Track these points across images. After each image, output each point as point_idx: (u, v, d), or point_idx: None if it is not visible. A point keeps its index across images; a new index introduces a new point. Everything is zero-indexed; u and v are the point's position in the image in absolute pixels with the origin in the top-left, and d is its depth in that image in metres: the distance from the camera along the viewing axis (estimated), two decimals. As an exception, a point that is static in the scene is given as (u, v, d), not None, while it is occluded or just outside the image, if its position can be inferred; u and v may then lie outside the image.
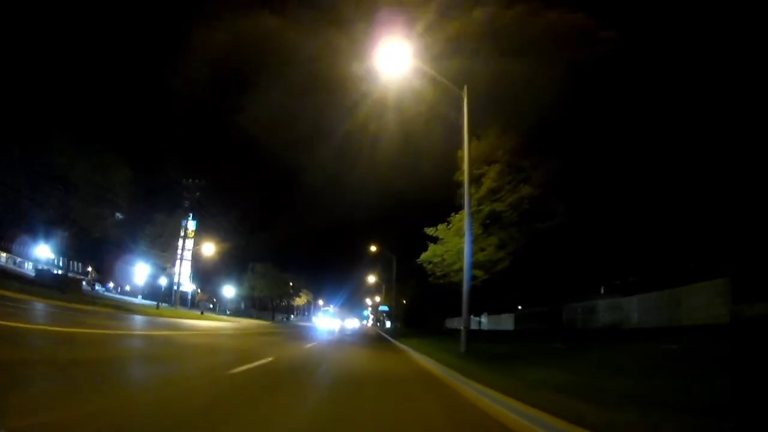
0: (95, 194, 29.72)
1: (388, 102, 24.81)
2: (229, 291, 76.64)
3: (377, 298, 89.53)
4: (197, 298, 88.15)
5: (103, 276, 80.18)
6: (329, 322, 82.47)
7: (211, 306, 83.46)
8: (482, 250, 19.63)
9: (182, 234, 54.45)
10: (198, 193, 49.38)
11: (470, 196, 17.92)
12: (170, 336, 15.45)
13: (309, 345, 18.10)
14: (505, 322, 38.63)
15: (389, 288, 73.51)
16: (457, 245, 19.91)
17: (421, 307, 64.52)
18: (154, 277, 57.26)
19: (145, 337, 14.12)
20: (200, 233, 58.22)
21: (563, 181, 21.09)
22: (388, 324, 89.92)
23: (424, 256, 22.38)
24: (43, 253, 69.31)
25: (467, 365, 11.85)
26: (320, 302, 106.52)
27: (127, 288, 72.88)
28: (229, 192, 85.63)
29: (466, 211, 17.72)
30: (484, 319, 44.77)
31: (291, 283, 75.99)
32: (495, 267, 19.46)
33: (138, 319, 22.91)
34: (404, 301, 72.30)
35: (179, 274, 53.54)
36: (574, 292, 26.74)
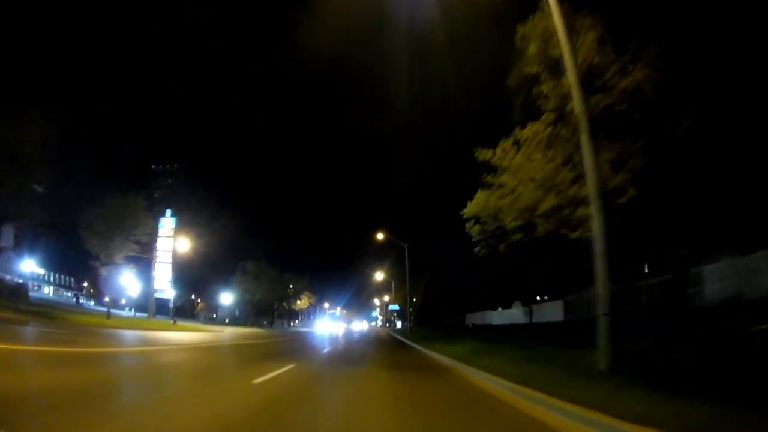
0: (4, 157, 20.45)
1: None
2: (226, 298, 67.64)
3: (386, 298, 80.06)
4: (198, 308, 79.19)
5: (97, 291, 73.04)
6: (332, 326, 72.84)
7: (214, 316, 74.78)
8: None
9: (158, 232, 45.60)
10: (170, 180, 40.07)
11: (573, 53, 8.86)
12: None
13: (274, 374, 8.63)
14: (550, 312, 29.08)
15: (399, 285, 64.45)
16: (541, 170, 10.66)
17: (434, 305, 55.81)
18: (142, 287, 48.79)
19: None
20: (182, 231, 49.01)
21: (692, 65, 11.79)
22: (399, 324, 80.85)
23: (471, 207, 13.24)
24: (29, 268, 63.20)
25: None
26: (326, 305, 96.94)
27: (123, 302, 65.55)
28: (216, 182, 76.81)
29: (572, 83, 8.64)
30: (515, 310, 35.29)
31: (291, 285, 66.33)
32: (616, 199, 10.13)
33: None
34: (414, 299, 64.09)
35: (154, 279, 44.54)
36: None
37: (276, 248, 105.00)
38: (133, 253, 29.82)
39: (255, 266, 53.17)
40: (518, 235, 11.31)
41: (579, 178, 10.58)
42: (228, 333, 31.08)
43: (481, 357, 11.56)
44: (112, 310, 47.54)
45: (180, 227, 49.66)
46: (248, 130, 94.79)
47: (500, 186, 12.18)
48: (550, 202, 10.34)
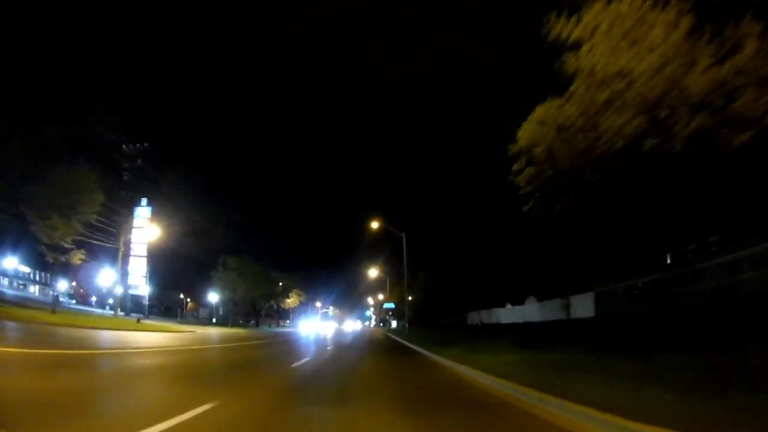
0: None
1: None
2: (213, 297, 61.83)
3: (380, 296, 74.53)
4: (187, 308, 73.25)
5: (86, 291, 67.96)
6: (319, 326, 66.77)
7: (199, 315, 68.98)
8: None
9: (130, 222, 39.96)
10: (140, 161, 34.34)
11: None
12: None
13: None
14: (578, 307, 23.78)
15: (395, 283, 59.16)
16: (666, 39, 5.33)
17: (433, 304, 50.47)
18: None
19: None
20: (160, 222, 43.40)
21: None
22: (393, 324, 75.47)
23: (527, 131, 7.97)
24: (12, 265, 58.15)
25: None
26: (317, 304, 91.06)
27: (110, 301, 61.08)
28: (200, 171, 70.74)
29: None
30: (530, 306, 30.05)
31: (281, 283, 60.50)
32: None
33: None
34: (410, 297, 59.17)
35: (123, 273, 38.94)
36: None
37: (266, 245, 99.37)
38: (80, 237, 24.03)
39: (237, 261, 47.27)
40: (649, 143, 5.96)
41: (730, 54, 5.41)
42: (198, 335, 25.57)
43: (571, 376, 6.27)
44: (90, 309, 41.86)
45: (158, 218, 44.07)
46: (238, 120, 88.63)
47: (572, 95, 7.01)
48: (701, 78, 5.11)
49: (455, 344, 15.14)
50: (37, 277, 69.46)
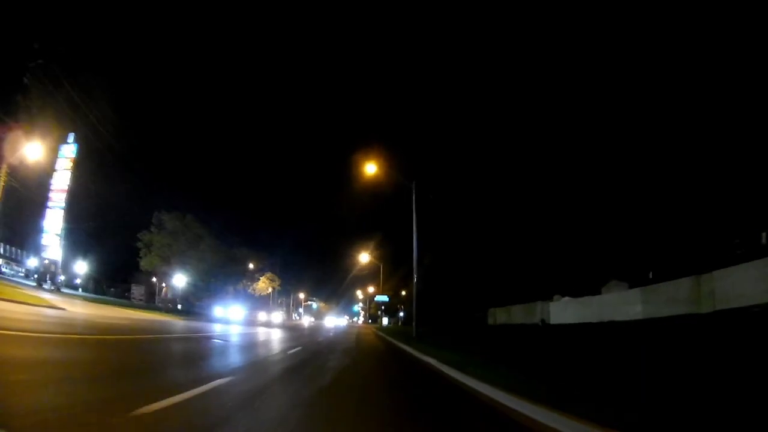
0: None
1: None
2: (181, 280, 49.61)
3: (371, 289, 62.45)
4: (163, 291, 61.38)
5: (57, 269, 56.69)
6: (275, 319, 52.62)
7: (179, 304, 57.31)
8: None
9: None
10: (42, 62, 22.83)
11: None
12: None
13: None
14: (739, 286, 11.87)
15: (389, 271, 47.22)
16: None
17: (440, 298, 37.33)
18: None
19: None
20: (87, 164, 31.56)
21: None
22: (385, 321, 63.23)
23: None
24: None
25: None
26: (301, 295, 78.55)
27: (78, 281, 50.63)
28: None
29: None
30: (614, 295, 18.36)
31: (251, 266, 48.06)
32: None
33: None
34: (403, 293, 48.42)
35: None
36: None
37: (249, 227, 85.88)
38: None
39: (175, 220, 34.72)
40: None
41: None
42: (61, 315, 14.19)
43: None
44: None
45: (92, 163, 32.00)
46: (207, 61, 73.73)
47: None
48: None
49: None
50: (2, 251, 59.24)
